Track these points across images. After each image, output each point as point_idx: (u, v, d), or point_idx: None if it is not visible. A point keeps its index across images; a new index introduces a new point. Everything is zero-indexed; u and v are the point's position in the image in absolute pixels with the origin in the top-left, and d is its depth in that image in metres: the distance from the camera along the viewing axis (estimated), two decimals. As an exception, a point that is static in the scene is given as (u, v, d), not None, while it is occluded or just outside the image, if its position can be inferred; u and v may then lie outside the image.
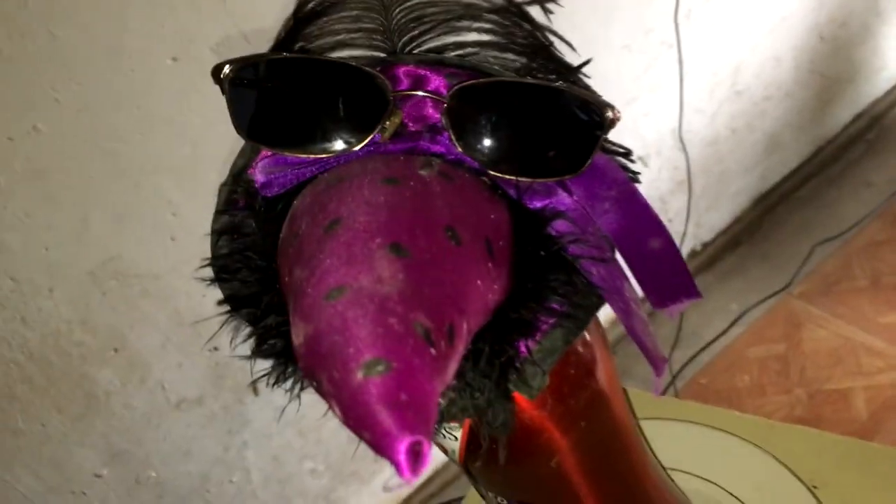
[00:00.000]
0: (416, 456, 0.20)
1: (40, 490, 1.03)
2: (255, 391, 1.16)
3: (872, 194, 1.75)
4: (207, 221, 1.01)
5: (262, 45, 0.97)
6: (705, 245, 1.76)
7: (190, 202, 0.98)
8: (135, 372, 1.04)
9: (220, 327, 0.28)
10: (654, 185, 1.57)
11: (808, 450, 0.50)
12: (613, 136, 0.32)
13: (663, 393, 1.45)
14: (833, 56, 1.76)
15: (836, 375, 1.44)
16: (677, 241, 1.51)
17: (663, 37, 1.40)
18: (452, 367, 0.22)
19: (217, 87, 0.87)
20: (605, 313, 0.32)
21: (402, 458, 0.19)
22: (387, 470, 1.40)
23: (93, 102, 0.86)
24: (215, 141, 0.95)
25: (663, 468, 0.40)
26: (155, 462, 1.11)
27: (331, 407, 0.21)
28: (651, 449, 0.37)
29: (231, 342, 0.28)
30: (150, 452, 1.10)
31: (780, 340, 1.53)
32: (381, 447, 0.20)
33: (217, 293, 0.94)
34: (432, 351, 0.21)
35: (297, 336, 0.22)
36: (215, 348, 1.09)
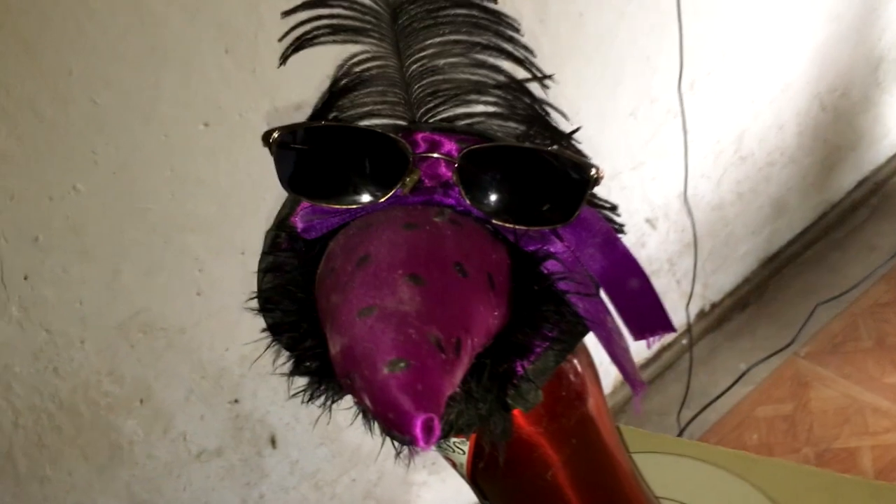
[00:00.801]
0: (429, 429, 0.25)
1: (65, 537, 1.05)
2: (273, 443, 1.19)
3: (876, 257, 1.79)
4: (232, 277, 1.06)
5: (289, 110, 1.03)
6: (713, 305, 1.79)
7: (215, 259, 1.03)
8: (158, 422, 1.07)
9: (260, 356, 0.33)
10: (662, 247, 1.61)
11: (793, 483, 0.54)
12: (622, 198, 0.38)
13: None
14: (835, 124, 1.81)
15: (843, 434, 1.45)
16: (685, 301, 1.55)
17: (668, 105, 1.45)
18: (459, 373, 0.28)
19: (244, 152, 0.95)
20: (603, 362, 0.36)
21: (418, 431, 0.25)
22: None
23: (128, 164, 0.91)
24: (241, 201, 1.01)
25: (654, 496, 0.44)
26: (175, 512, 1.14)
27: (361, 399, 0.26)
28: (642, 475, 0.41)
29: (273, 364, 0.32)
30: (170, 503, 1.13)
31: (787, 400, 1.55)
32: (402, 423, 0.25)
33: (241, 348, 0.98)
34: (442, 356, 0.27)
35: (335, 347, 0.28)
36: (236, 401, 1.13)
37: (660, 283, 1.62)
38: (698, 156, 1.55)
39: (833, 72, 1.73)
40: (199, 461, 1.13)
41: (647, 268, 1.70)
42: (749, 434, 1.51)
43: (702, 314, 1.77)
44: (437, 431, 0.25)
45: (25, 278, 0.91)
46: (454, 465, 0.35)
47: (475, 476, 0.35)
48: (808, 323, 1.67)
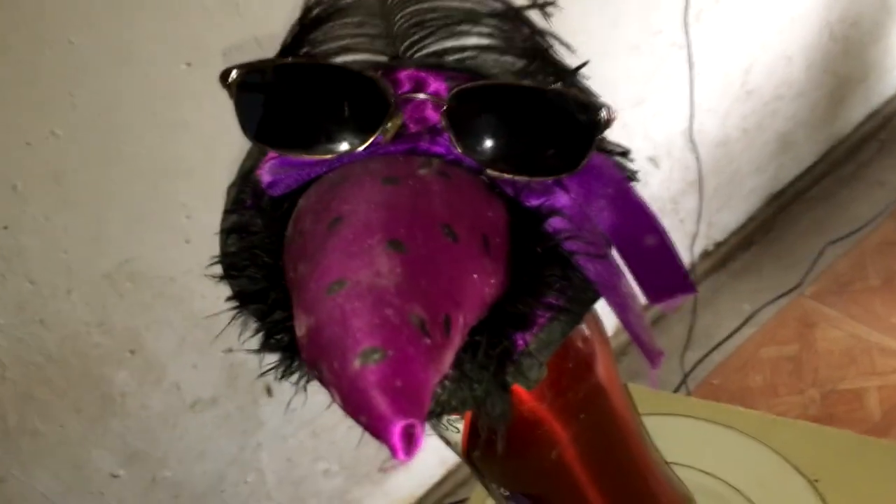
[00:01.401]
0: (409, 438, 0.21)
1: (59, 490, 1.04)
2: (269, 392, 1.17)
3: (885, 193, 1.75)
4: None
5: (275, 50, 0.99)
6: (718, 245, 1.77)
7: (204, 205, 0.99)
8: (151, 373, 1.05)
9: (228, 323, 0.29)
10: (665, 185, 1.57)
11: (808, 444, 0.51)
12: (623, 137, 0.33)
13: (676, 391, 1.45)
14: (845, 55, 1.76)
15: (849, 375, 1.44)
16: (689, 242, 1.51)
17: (673, 38, 1.41)
18: (448, 356, 0.24)
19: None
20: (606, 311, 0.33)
21: (396, 440, 0.21)
22: (399, 473, 1.41)
23: (109, 107, 0.88)
24: (228, 145, 0.96)
25: (665, 462, 0.41)
26: (171, 462, 1.13)
27: (331, 395, 0.22)
28: (653, 443, 0.38)
29: (239, 338, 0.29)
30: (165, 453, 1.12)
31: (792, 341, 1.53)
32: (377, 430, 0.21)
33: (228, 291, 0.95)
34: (427, 341, 0.22)
35: (300, 328, 0.24)
36: (230, 349, 1.11)
37: (663, 223, 1.59)
38: (703, 90, 1.51)
39: (844, 0, 1.67)
40: (193, 411, 1.12)
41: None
42: (753, 375, 1.49)
43: (706, 254, 1.74)
44: (420, 440, 0.21)
45: (5, 228, 0.88)
46: (448, 443, 0.32)
47: (472, 456, 0.31)
48: (817, 264, 1.63)
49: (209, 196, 0.98)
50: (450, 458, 1.48)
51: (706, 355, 1.54)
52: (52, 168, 0.88)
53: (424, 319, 0.23)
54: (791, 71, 1.67)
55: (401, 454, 0.21)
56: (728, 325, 1.59)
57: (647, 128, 1.47)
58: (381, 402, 0.21)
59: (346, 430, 1.28)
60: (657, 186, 1.55)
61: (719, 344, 1.55)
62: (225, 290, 1.00)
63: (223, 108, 1.00)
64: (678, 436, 0.51)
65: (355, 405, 0.21)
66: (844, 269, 1.63)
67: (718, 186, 1.68)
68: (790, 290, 1.60)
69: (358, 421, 0.22)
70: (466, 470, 1.52)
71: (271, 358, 0.28)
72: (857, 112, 1.91)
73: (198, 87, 0.92)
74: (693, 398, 0.57)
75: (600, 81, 0.36)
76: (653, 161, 1.52)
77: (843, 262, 1.64)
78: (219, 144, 0.96)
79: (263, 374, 0.27)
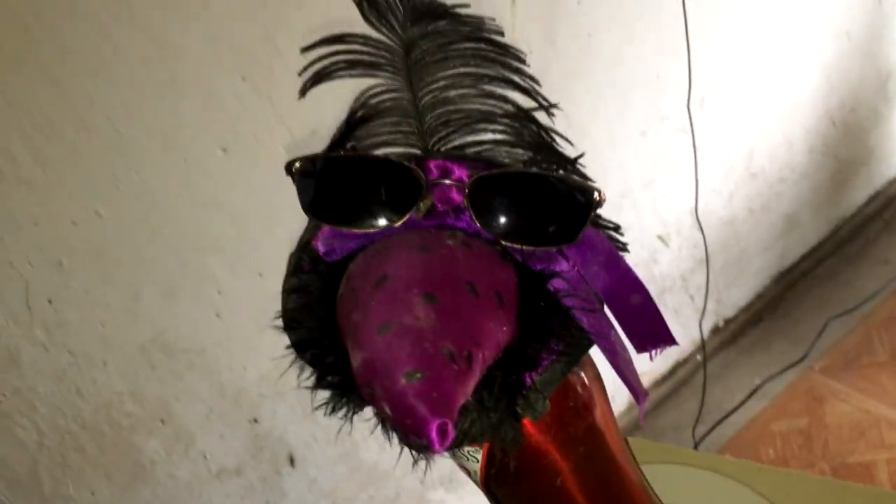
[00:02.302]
0: (443, 433, 0.27)
1: (89, 558, 1.07)
2: (292, 462, 1.21)
3: (890, 270, 1.79)
4: (250, 299, 1.08)
5: (304, 136, 1.05)
6: (727, 321, 1.80)
7: (234, 281, 1.05)
8: (179, 442, 1.09)
9: (284, 372, 0.35)
10: (674, 263, 1.62)
11: (805, 493, 0.55)
12: (633, 216, 0.40)
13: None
14: (845, 139, 1.82)
15: (859, 449, 1.46)
16: (698, 317, 1.55)
17: (678, 123, 1.47)
18: (471, 383, 0.30)
19: (261, 176, 0.97)
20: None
21: (434, 434, 0.27)
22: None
23: (149, 189, 0.94)
24: (258, 224, 1.03)
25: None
26: (196, 531, 1.15)
27: (381, 408, 0.29)
28: (648, 483, 0.43)
29: (298, 378, 0.34)
30: (191, 521, 1.14)
31: (802, 415, 1.56)
32: (419, 427, 0.27)
33: (259, 368, 1.00)
34: (455, 367, 0.29)
35: (356, 360, 0.30)
36: (255, 420, 1.15)
37: (673, 300, 1.63)
38: (709, 172, 1.56)
39: (843, 88, 1.74)
40: (218, 480, 1.15)
41: (660, 284, 1.71)
42: (765, 449, 1.51)
43: (716, 330, 1.78)
44: (451, 435, 0.27)
45: (50, 302, 0.93)
46: (468, 472, 0.37)
47: (488, 483, 0.37)
48: (821, 337, 1.67)
49: (239, 272, 1.04)
50: None
51: (715, 426, 1.57)
52: (94, 245, 0.93)
53: (453, 352, 0.29)
54: (793, 155, 1.72)
55: (437, 444, 0.27)
56: (739, 399, 1.62)
57: (657, 207, 1.53)
58: (421, 408, 0.27)
59: (367, 500, 1.30)
60: (667, 264, 1.60)
61: (728, 414, 1.58)
62: (253, 361, 1.04)
63: (254, 189, 1.07)
64: (678, 483, 0.55)
65: (402, 411, 0.28)
66: (852, 344, 1.66)
67: (726, 264, 1.72)
68: (795, 364, 1.63)
69: (403, 424, 0.28)
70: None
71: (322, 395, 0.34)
72: (860, 193, 1.96)
73: (232, 171, 0.99)
74: (690, 450, 0.61)
75: (611, 163, 0.42)
76: (662, 239, 1.57)
77: (850, 337, 1.68)
78: (249, 223, 1.03)
79: (316, 408, 0.32)
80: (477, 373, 0.30)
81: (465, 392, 0.29)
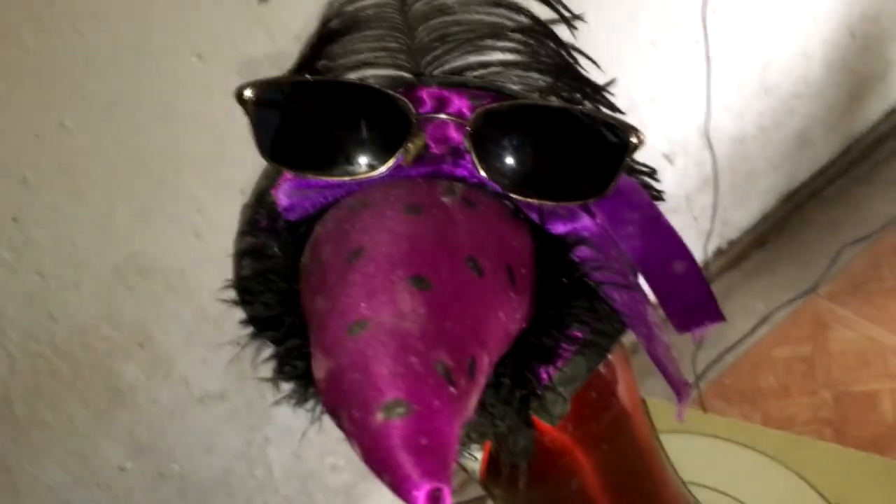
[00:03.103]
0: (435, 502, 0.20)
1: (66, 482, 1.04)
2: (278, 386, 1.17)
3: (902, 193, 1.73)
4: (232, 218, 1.01)
5: (287, 42, 0.98)
6: (731, 243, 1.75)
7: (214, 199, 0.99)
8: (159, 367, 1.05)
9: (242, 347, 0.29)
10: (679, 182, 1.56)
11: (830, 466, 0.50)
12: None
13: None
14: (864, 52, 1.74)
15: (862, 377, 1.42)
16: (703, 239, 1.49)
17: (690, 32, 1.39)
18: (473, 401, 0.22)
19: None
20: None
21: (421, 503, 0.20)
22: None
23: (118, 99, 0.87)
24: (239, 138, 0.96)
25: (684, 484, 0.40)
26: (178, 456, 1.12)
27: (351, 445, 0.21)
28: (672, 464, 0.37)
29: (251, 363, 0.28)
30: (173, 446, 1.11)
31: (806, 341, 1.51)
32: (401, 492, 0.20)
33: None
34: (452, 390, 0.21)
35: (319, 370, 0.23)
36: (239, 343, 1.10)
37: (677, 221, 1.56)
38: (721, 87, 1.49)
39: (866, -4, 1.65)
40: (201, 405, 1.11)
41: (664, 205, 1.66)
42: (765, 376, 1.48)
43: (719, 252, 1.73)
44: (448, 502, 0.20)
45: (14, 220, 0.88)
46: (465, 469, 0.31)
47: (489, 484, 0.30)
48: (835, 265, 1.61)
49: (220, 191, 0.98)
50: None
51: (719, 357, 1.53)
52: (61, 160, 0.87)
53: (449, 367, 0.21)
54: (810, 67, 1.65)
55: None
56: (740, 324, 1.57)
57: (664, 124, 1.46)
58: (405, 462, 0.20)
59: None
60: (671, 183, 1.54)
61: (733, 345, 1.53)
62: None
63: (234, 102, 0.99)
64: (698, 455, 0.50)
65: (378, 462, 0.20)
66: (859, 269, 1.61)
67: (733, 184, 1.66)
68: (805, 292, 1.59)
69: (380, 478, 0.20)
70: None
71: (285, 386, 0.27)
72: (874, 110, 1.89)
73: (208, 80, 0.92)
74: (714, 416, 0.56)
75: (618, 76, 0.34)
76: (667, 157, 1.50)
77: (857, 262, 1.62)
78: (230, 138, 0.96)
79: (275, 403, 0.26)
80: (481, 383, 0.23)
81: (466, 417, 0.22)
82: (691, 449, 0.50)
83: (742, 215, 1.74)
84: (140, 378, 1.04)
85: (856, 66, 1.74)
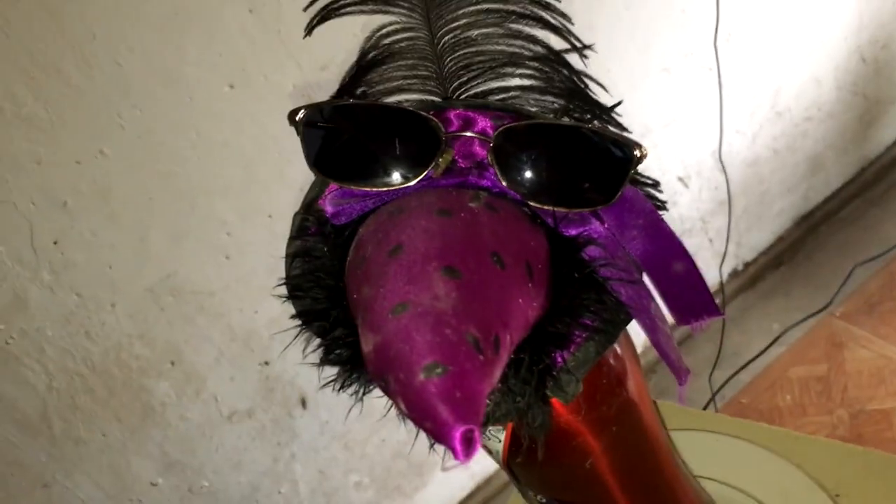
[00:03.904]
0: (468, 442, 0.24)
1: (99, 497, 1.07)
2: (304, 405, 1.20)
3: (916, 214, 1.75)
4: (259, 241, 1.06)
5: (314, 73, 1.02)
6: (747, 265, 1.77)
7: (243, 222, 1.02)
8: (190, 385, 1.08)
9: (294, 339, 0.32)
10: (694, 205, 1.58)
11: (831, 460, 0.52)
12: (654, 156, 0.35)
13: (704, 409, 1.46)
14: (875, 77, 1.76)
15: (878, 395, 1.43)
16: (718, 261, 1.51)
17: (703, 60, 1.42)
18: (498, 372, 0.26)
19: (269, 115, 0.92)
20: (637, 332, 0.35)
21: (457, 444, 0.24)
22: (429, 486, 1.43)
23: (154, 128, 0.91)
24: (267, 164, 1.00)
25: (692, 474, 0.43)
26: (207, 472, 1.15)
27: (396, 403, 0.25)
28: (680, 456, 0.40)
29: (303, 353, 0.31)
30: (203, 463, 1.14)
31: (821, 360, 1.53)
32: (441, 435, 0.24)
33: (270, 311, 0.98)
34: (481, 357, 0.25)
35: (367, 345, 0.26)
36: (266, 363, 1.14)
37: (692, 243, 1.60)
38: (733, 111, 1.52)
39: (875, 23, 1.67)
40: (230, 422, 1.14)
41: (679, 227, 1.68)
42: (782, 395, 1.49)
43: (735, 273, 1.75)
44: (478, 444, 0.24)
45: (55, 243, 0.91)
46: (489, 451, 0.34)
47: (511, 464, 0.34)
48: (847, 284, 1.63)
49: (248, 214, 1.02)
50: (479, 473, 1.50)
51: (735, 374, 1.55)
52: (99, 186, 0.91)
53: (478, 338, 0.25)
54: (821, 93, 1.67)
55: (461, 456, 0.24)
56: (757, 344, 1.59)
57: (678, 148, 1.49)
58: (443, 411, 0.24)
59: (378, 443, 1.30)
60: (686, 206, 1.56)
61: (748, 363, 1.55)
62: (264, 305, 1.03)
63: (263, 129, 1.04)
64: (705, 450, 0.53)
65: (421, 413, 0.24)
66: (874, 289, 1.63)
67: (748, 206, 1.68)
68: (819, 311, 1.60)
69: (422, 427, 0.24)
70: (495, 484, 1.53)
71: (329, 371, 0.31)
72: (887, 134, 1.91)
73: (239, 109, 0.96)
74: (719, 414, 0.59)
75: (633, 102, 0.38)
76: (682, 181, 1.53)
77: (872, 282, 1.64)
78: (258, 164, 1.00)
79: (323, 386, 0.30)
80: (504, 358, 0.27)
81: (492, 383, 0.26)
82: (699, 445, 0.52)
83: (757, 237, 1.76)
84: (171, 396, 1.07)
85: (867, 90, 1.76)
